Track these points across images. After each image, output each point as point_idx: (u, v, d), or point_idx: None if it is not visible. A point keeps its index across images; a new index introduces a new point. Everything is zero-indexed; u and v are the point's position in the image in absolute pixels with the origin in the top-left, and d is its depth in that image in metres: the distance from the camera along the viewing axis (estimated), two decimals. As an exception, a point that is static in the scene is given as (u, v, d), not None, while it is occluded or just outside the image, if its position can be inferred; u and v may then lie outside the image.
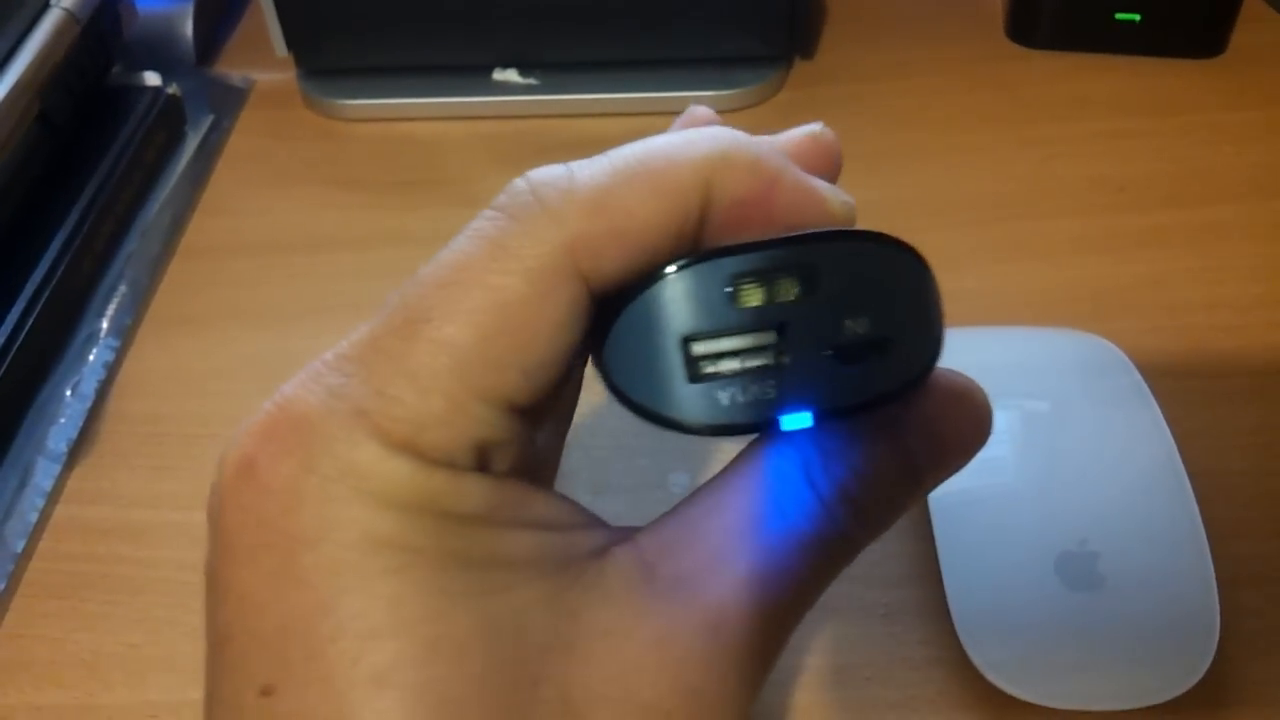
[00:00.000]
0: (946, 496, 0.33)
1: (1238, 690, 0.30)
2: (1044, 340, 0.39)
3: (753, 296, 0.17)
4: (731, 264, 0.16)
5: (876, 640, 0.32)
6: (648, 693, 0.16)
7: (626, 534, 0.18)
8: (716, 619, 0.16)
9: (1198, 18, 0.53)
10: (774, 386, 0.17)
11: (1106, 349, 0.38)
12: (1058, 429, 0.35)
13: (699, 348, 0.16)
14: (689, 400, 0.17)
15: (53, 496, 0.38)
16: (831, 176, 0.19)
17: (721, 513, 0.17)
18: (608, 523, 0.18)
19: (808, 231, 0.17)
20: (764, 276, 0.16)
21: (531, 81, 0.53)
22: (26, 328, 0.40)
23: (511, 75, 0.54)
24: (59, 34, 0.45)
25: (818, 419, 0.17)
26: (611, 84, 0.53)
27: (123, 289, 0.45)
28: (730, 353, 0.17)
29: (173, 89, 0.52)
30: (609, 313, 0.17)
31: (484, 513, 0.16)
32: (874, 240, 0.17)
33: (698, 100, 0.51)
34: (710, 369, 0.17)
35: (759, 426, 0.17)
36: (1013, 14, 0.56)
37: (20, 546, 0.36)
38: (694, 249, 0.17)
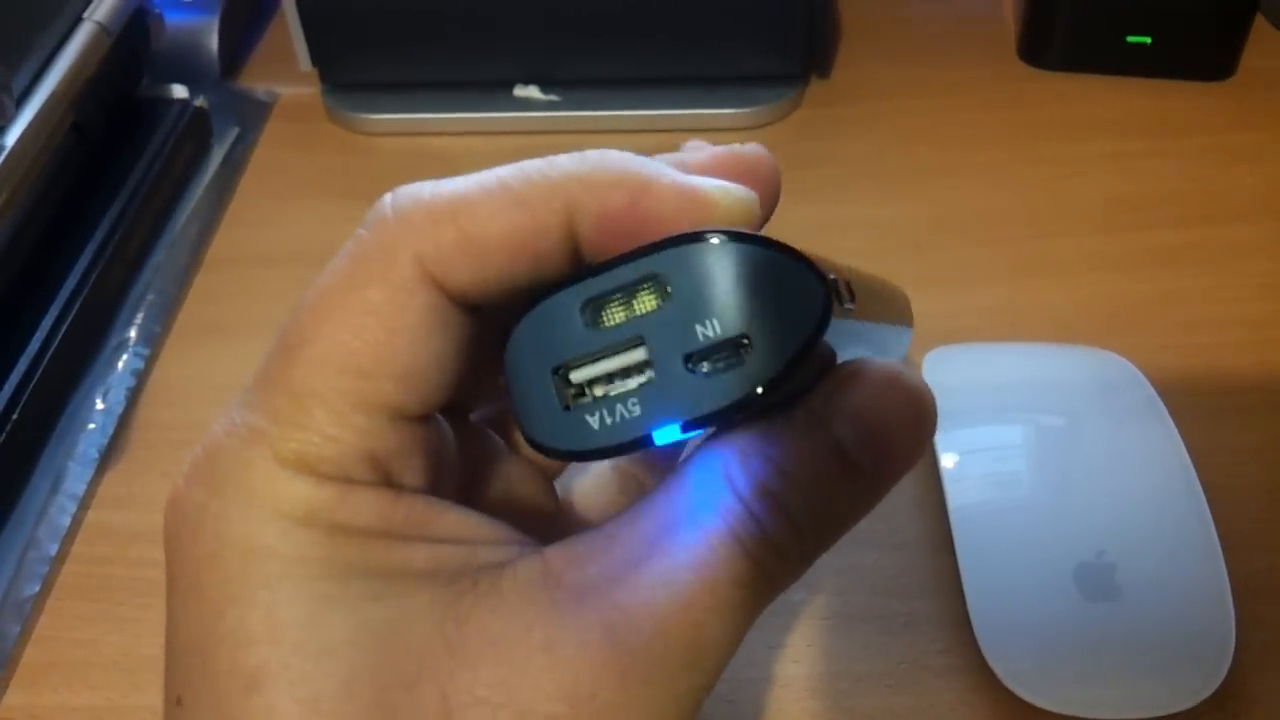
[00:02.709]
0: (967, 509, 0.34)
1: (1253, 701, 0.31)
2: (1060, 357, 0.40)
3: (614, 314, 0.16)
4: (576, 290, 0.16)
5: (898, 649, 0.33)
6: (529, 696, 0.15)
7: (539, 547, 0.18)
8: (612, 622, 0.16)
9: (1208, 41, 0.54)
10: (637, 403, 0.16)
11: (1121, 365, 0.38)
12: (1074, 443, 0.36)
13: (575, 375, 0.17)
14: (566, 428, 0.17)
15: (84, 501, 0.38)
16: (763, 189, 0.18)
17: (639, 521, 0.17)
18: (533, 541, 0.18)
19: (650, 243, 0.16)
20: (615, 295, 0.16)
21: (553, 98, 0.54)
22: (59, 336, 0.41)
23: (533, 91, 0.54)
24: (92, 46, 0.46)
25: (693, 429, 0.16)
26: (631, 101, 0.53)
27: (151, 298, 0.46)
28: (603, 375, 0.16)
29: (200, 101, 0.53)
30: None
31: (378, 525, 0.17)
32: (713, 237, 0.16)
33: (717, 118, 0.53)
34: (584, 395, 0.17)
35: (633, 445, 0.16)
36: (1025, 36, 0.57)
37: (53, 550, 0.37)
38: (572, 271, 0.17)
